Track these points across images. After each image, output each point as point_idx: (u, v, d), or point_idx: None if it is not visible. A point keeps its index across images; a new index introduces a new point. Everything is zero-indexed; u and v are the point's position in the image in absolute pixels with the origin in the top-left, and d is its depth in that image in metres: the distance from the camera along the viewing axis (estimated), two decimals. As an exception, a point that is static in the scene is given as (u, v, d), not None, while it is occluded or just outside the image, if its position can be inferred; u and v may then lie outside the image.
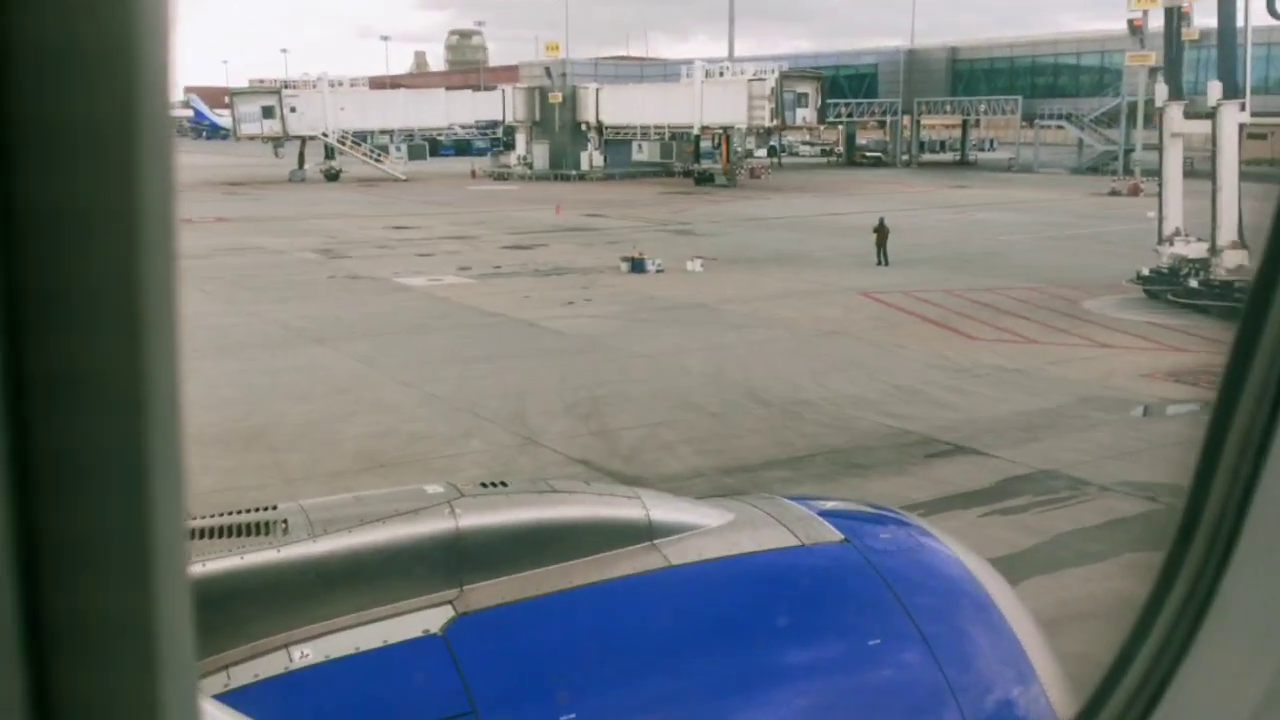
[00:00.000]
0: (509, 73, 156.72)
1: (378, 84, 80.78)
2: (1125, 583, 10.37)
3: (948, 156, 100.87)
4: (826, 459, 14.32)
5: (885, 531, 4.05)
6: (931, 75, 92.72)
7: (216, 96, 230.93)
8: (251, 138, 76.63)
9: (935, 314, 24.66)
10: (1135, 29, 61.61)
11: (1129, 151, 75.35)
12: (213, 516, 3.39)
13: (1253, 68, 27.44)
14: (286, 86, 76.61)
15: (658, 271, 31.43)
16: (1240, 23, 23.60)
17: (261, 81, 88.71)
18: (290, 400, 17.51)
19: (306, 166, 77.01)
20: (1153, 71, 69.89)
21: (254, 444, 15.13)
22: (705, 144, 76.63)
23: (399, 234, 42.51)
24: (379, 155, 78.92)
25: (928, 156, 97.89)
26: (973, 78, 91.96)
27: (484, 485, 3.67)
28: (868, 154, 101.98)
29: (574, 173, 78.02)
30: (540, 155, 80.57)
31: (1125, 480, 13.22)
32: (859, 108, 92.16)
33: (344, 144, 77.11)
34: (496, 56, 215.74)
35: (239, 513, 3.41)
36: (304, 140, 77.43)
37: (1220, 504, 1.36)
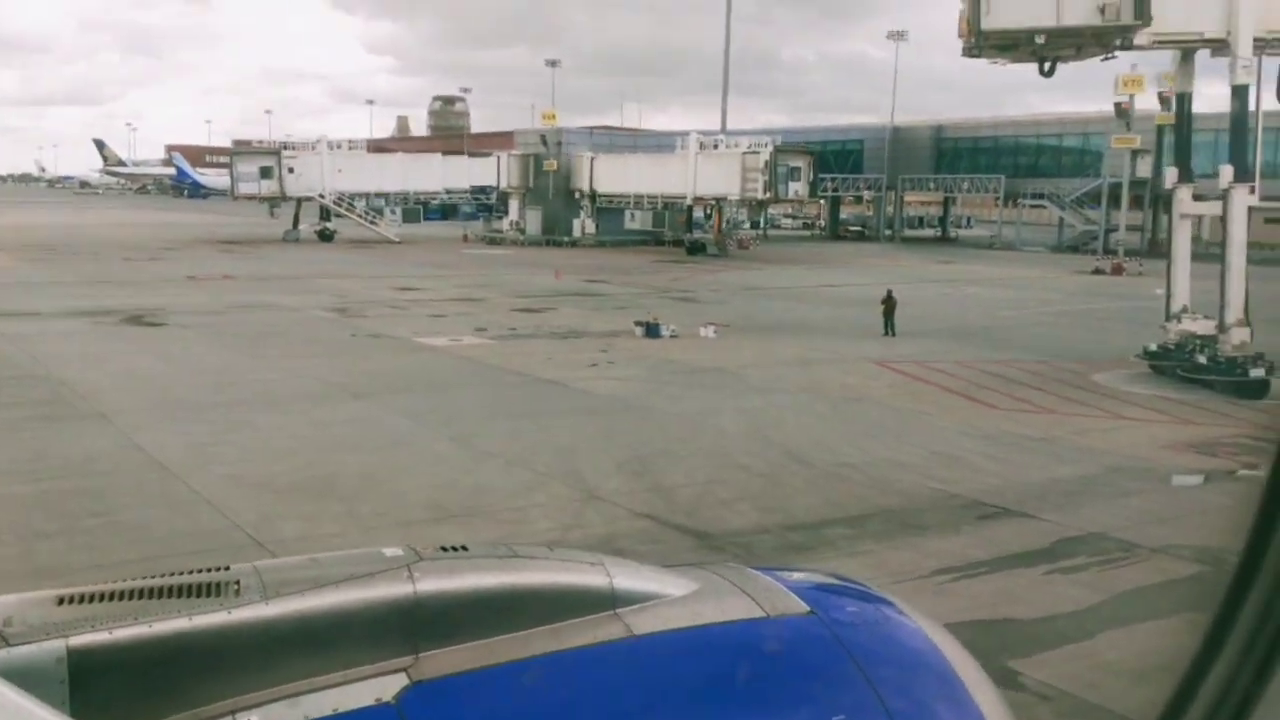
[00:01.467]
0: (490, 139, 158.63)
1: (363, 147, 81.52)
2: (1192, 639, 10.94)
3: (929, 232, 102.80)
4: (881, 519, 14.88)
5: (851, 604, 4.01)
6: (916, 152, 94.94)
7: (198, 155, 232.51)
8: (249, 197, 77.25)
9: (952, 384, 25.42)
10: (1122, 112, 63.77)
11: (1110, 231, 77.39)
12: (163, 576, 3.27)
13: (1262, 152, 28.63)
14: (285, 148, 77.49)
15: (671, 336, 32.11)
16: (1251, 108, 24.71)
17: (251, 142, 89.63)
18: (347, 452, 17.92)
19: (301, 227, 77.70)
20: (1135, 154, 72.29)
21: (325, 495, 15.52)
22: (696, 214, 77.96)
23: (407, 295, 43.08)
24: (374, 218, 79.71)
25: (910, 232, 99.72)
26: (956, 155, 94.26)
27: (444, 549, 3.60)
28: (850, 228, 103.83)
29: (566, 239, 79.12)
30: (533, 221, 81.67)
31: (1172, 543, 13.84)
32: (844, 182, 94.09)
33: (340, 206, 77.88)
34: (477, 123, 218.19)
35: (191, 573, 3.33)
36: (299, 201, 78.22)
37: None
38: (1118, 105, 64.56)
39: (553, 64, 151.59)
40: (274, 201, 78.09)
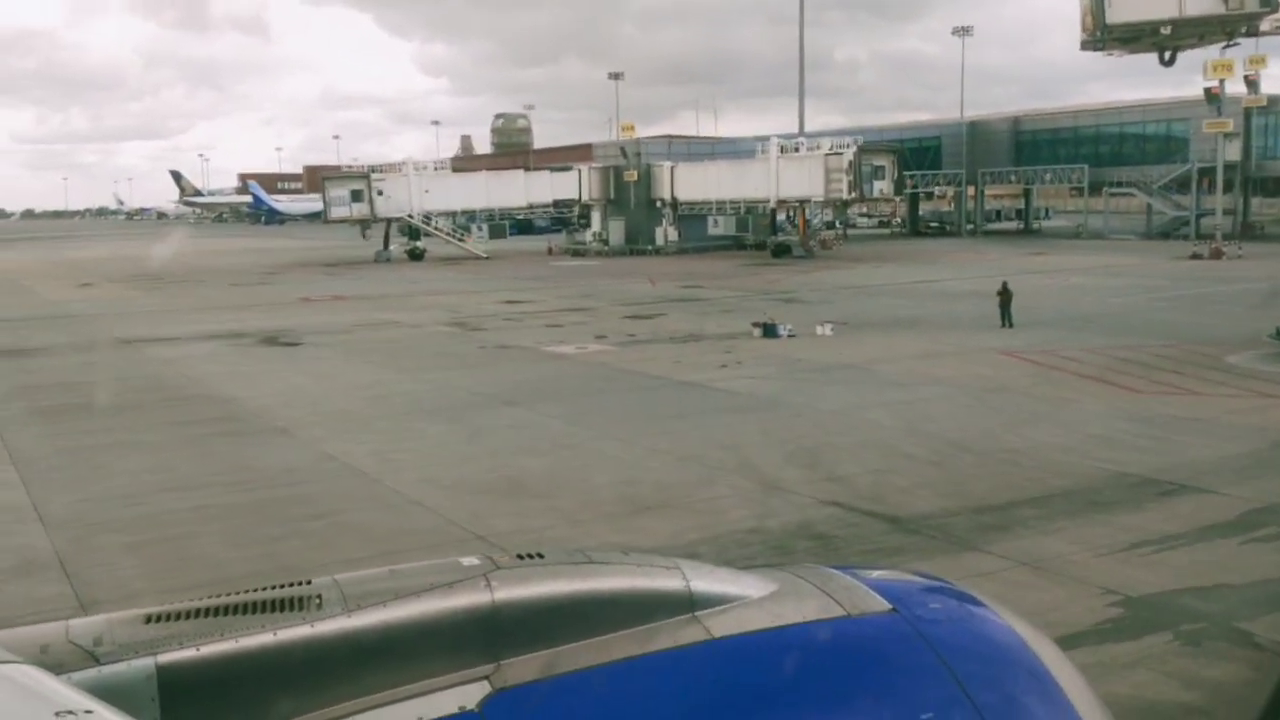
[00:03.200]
0: (557, 154, 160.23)
1: (392, 168, 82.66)
2: None
3: (1010, 225, 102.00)
4: (1064, 499, 15.25)
5: (934, 600, 3.94)
6: (994, 146, 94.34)
7: (269, 183, 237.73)
8: (341, 221, 79.25)
9: (1086, 370, 25.60)
10: (1213, 96, 62.91)
11: (1201, 216, 76.28)
12: (246, 592, 3.36)
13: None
14: (373, 171, 79.34)
15: (789, 336, 32.59)
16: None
17: (341, 168, 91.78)
18: (521, 455, 18.70)
19: (391, 247, 79.51)
20: (1224, 138, 71.27)
21: (518, 493, 16.29)
22: (779, 217, 78.33)
23: (516, 307, 44.07)
24: (461, 235, 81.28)
25: (992, 225, 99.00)
26: (1035, 147, 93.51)
27: (520, 557, 3.61)
28: (930, 224, 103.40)
29: (649, 247, 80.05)
30: (616, 231, 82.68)
31: (1364, 511, 14.06)
32: (923, 179, 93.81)
33: (429, 225, 79.56)
34: (538, 139, 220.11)
35: (272, 588, 3.40)
36: (389, 222, 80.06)
37: None
38: (1208, 90, 63.73)
39: (616, 76, 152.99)
40: (365, 224, 79.97)
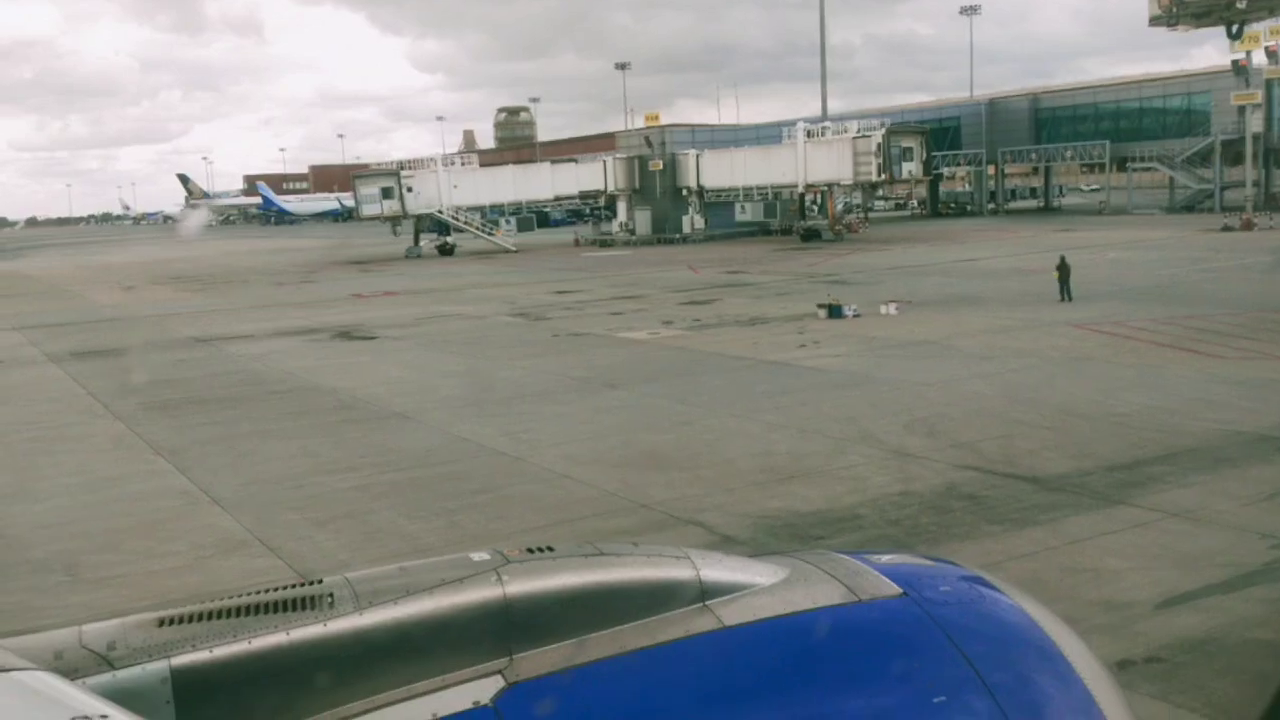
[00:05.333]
0: (560, 147, 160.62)
1: (420, 164, 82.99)
2: None
3: (1031, 203, 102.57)
4: (1189, 456, 15.97)
5: (944, 584, 3.96)
6: (1014, 124, 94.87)
7: (275, 183, 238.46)
8: (373, 218, 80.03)
9: (1163, 339, 26.30)
10: (1240, 69, 63.39)
11: (1225, 189, 76.83)
12: (258, 593, 3.39)
13: None
14: (402, 168, 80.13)
15: (855, 316, 33.30)
16: None
17: (369, 165, 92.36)
18: (645, 432, 19.44)
19: (422, 243, 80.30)
20: (1245, 110, 71.80)
21: (659, 466, 17.03)
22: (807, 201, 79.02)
23: (568, 297, 44.81)
24: (490, 229, 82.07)
25: (1014, 204, 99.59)
26: (1055, 124, 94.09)
27: (529, 551, 3.61)
28: (950, 205, 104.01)
29: (676, 236, 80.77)
30: (642, 221, 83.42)
31: None
32: (944, 159, 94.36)
33: (458, 219, 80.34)
34: (540, 131, 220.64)
35: (284, 588, 3.43)
36: (418, 218, 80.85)
37: None
38: (1235, 62, 64.21)
39: (623, 67, 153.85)
40: (396, 220, 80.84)
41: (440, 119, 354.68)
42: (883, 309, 33.91)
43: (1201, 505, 13.65)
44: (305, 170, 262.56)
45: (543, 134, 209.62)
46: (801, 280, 46.93)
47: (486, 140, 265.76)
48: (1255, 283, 36.93)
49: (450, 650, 3.24)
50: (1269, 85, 73.87)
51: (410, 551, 13.15)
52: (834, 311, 33.78)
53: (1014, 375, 22.93)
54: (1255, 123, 70.93)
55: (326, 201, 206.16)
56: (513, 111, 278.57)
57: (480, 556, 3.54)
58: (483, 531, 14.02)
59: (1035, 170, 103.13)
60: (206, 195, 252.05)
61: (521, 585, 3.38)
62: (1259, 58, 69.06)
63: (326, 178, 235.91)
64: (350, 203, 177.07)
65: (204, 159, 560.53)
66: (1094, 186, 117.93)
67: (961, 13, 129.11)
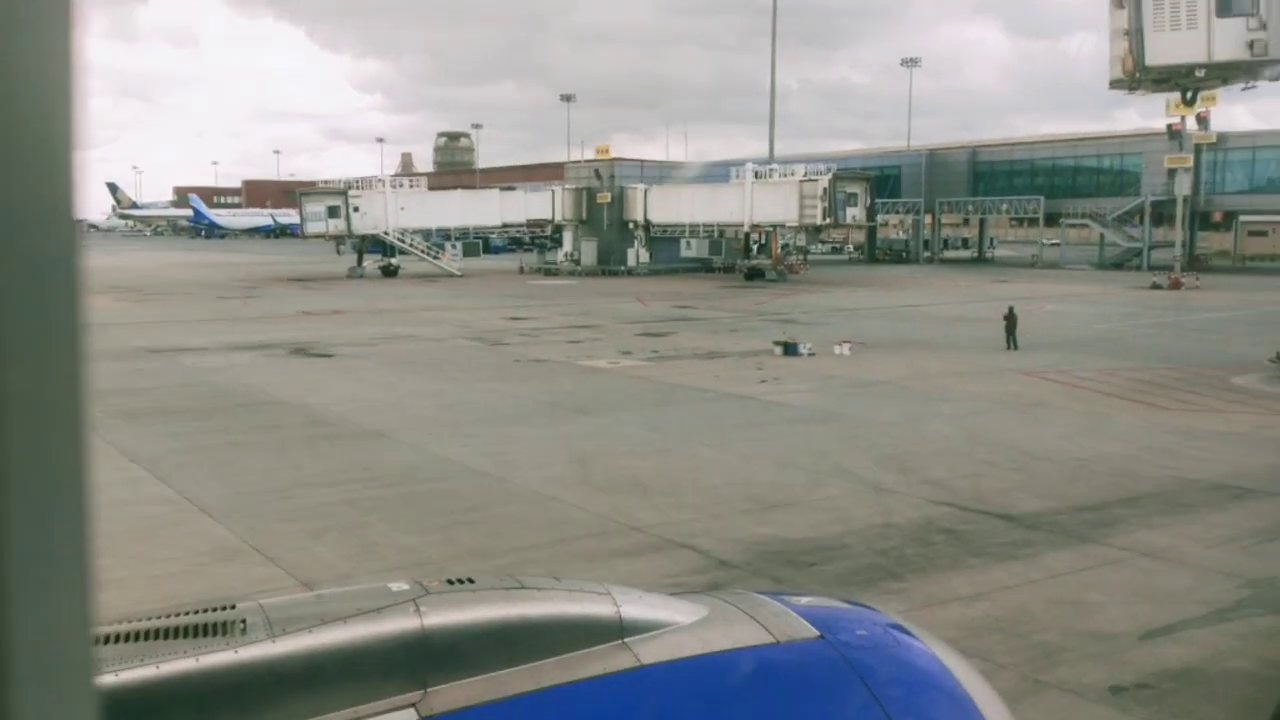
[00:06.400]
0: (500, 174, 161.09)
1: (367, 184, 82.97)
2: None
3: (965, 253, 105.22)
4: (1150, 500, 16.80)
5: (861, 627, 4.01)
6: (952, 176, 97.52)
7: (206, 196, 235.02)
8: (318, 236, 79.57)
9: (1109, 389, 27.41)
10: (1175, 133, 66.09)
11: (1153, 248, 79.75)
12: (167, 616, 3.30)
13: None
14: (350, 188, 79.84)
15: (810, 355, 34.06)
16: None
17: (317, 184, 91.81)
18: (625, 458, 19.82)
19: (365, 263, 79.90)
20: (1173, 173, 74.81)
21: (644, 491, 17.40)
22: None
23: (522, 324, 45.04)
24: (436, 252, 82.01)
25: (948, 253, 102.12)
26: (992, 177, 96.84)
27: (450, 582, 3.62)
28: (887, 252, 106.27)
29: (621, 268, 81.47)
30: (588, 252, 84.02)
31: None
32: (883, 207, 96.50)
33: (404, 241, 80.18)
34: (478, 158, 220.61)
35: (195, 612, 3.35)
36: (363, 239, 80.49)
37: None
38: (1169, 127, 66.98)
39: (568, 99, 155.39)
40: (340, 239, 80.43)
41: (380, 140, 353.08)
42: (836, 349, 34.73)
43: (1169, 546, 14.41)
44: (238, 184, 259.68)
45: (481, 161, 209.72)
46: (751, 318, 47.78)
47: (425, 164, 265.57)
48: (1189, 340, 38.51)
49: (364, 682, 3.19)
50: (1197, 150, 77.07)
51: (407, 566, 13.37)
52: (790, 349, 34.51)
53: (973, 418, 23.75)
54: (1185, 185, 73.94)
55: (259, 217, 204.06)
56: (453, 136, 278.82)
57: (399, 587, 3.54)
58: (481, 547, 14.28)
59: (966, 221, 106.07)
60: (135, 205, 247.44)
61: (440, 617, 3.36)
62: (1191, 123, 72.17)
63: (260, 193, 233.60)
64: (284, 219, 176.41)
65: (134, 168, 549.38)
66: (1053, 240, 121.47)
67: (903, 64, 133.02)
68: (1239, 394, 26.83)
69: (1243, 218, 78.40)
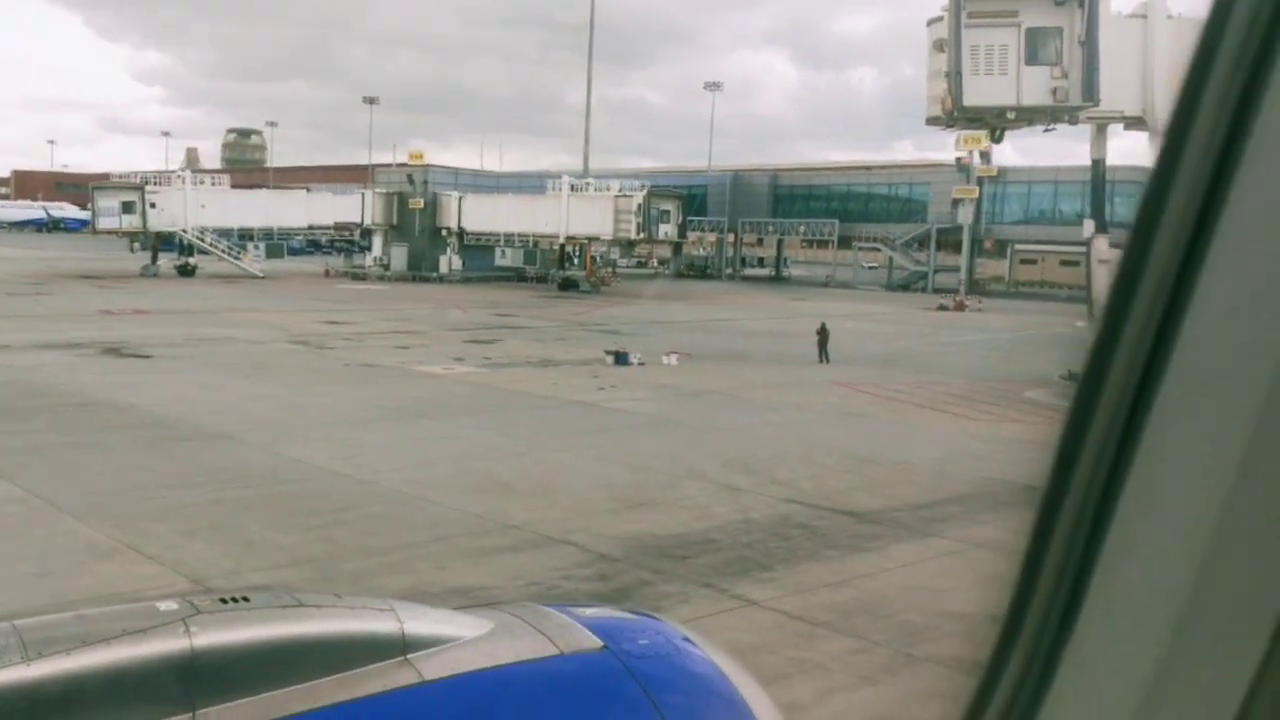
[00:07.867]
0: (294, 174, 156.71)
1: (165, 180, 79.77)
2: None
3: (763, 272, 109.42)
4: (975, 499, 18.53)
5: (643, 637, 4.11)
6: (754, 197, 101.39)
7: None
8: (110, 232, 75.48)
9: (919, 400, 29.60)
10: (963, 166, 71.11)
11: (937, 272, 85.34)
12: None
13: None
14: (147, 183, 76.16)
15: (640, 364, 35.14)
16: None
17: (111, 176, 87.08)
18: (482, 461, 20.20)
19: (160, 262, 76.35)
20: (957, 203, 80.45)
21: (511, 492, 17.89)
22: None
23: (342, 329, 44.36)
24: (237, 252, 79.16)
25: (748, 271, 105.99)
26: (791, 200, 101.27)
27: (223, 600, 3.52)
28: (692, 267, 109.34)
29: (433, 275, 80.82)
30: (399, 257, 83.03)
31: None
32: (690, 224, 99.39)
33: (203, 240, 77.07)
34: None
35: None
36: (157, 236, 76.92)
37: (1079, 501, 1.28)
38: (958, 160, 72.00)
39: (371, 101, 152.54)
40: (134, 236, 76.53)
41: (166, 134, 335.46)
42: (664, 359, 35.94)
43: (996, 539, 15.98)
44: (7, 174, 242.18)
45: (273, 159, 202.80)
46: (574, 327, 48.59)
47: (211, 160, 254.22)
48: (980, 356, 41.74)
49: (128, 705, 3.09)
50: (980, 182, 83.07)
51: (292, 563, 13.49)
52: (620, 359, 35.51)
53: (801, 426, 25.28)
54: (968, 215, 79.55)
55: (31, 210, 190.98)
56: (243, 133, 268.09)
57: (168, 606, 3.41)
58: (362, 545, 14.48)
59: (760, 241, 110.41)
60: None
61: (211, 637, 3.27)
62: (976, 158, 77.74)
63: (30, 184, 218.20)
64: (58, 213, 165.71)
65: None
66: (842, 263, 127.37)
67: (705, 88, 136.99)
68: (1035, 406, 29.47)
69: (1016, 246, 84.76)
